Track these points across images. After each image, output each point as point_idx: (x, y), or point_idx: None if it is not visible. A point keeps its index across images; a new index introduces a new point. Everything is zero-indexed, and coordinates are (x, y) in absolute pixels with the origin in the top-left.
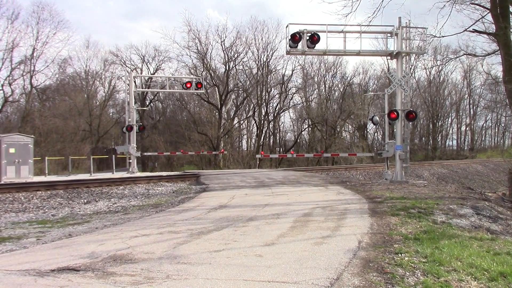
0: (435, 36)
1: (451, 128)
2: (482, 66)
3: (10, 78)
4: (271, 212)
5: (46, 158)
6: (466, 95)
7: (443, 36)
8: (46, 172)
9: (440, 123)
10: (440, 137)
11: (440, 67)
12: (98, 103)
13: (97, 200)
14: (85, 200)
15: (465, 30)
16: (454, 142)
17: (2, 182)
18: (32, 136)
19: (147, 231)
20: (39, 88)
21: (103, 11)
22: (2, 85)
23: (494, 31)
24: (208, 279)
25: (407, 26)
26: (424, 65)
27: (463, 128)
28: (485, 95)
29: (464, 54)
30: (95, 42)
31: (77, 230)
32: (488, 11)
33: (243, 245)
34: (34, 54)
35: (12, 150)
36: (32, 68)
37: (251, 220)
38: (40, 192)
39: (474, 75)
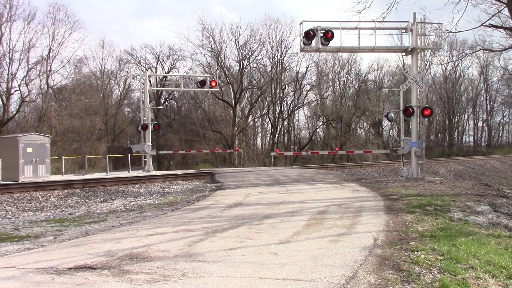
0: (450, 32)
1: (467, 124)
2: (499, 61)
3: (27, 78)
4: (286, 210)
5: (63, 157)
6: (483, 91)
7: (458, 32)
8: (63, 171)
9: (456, 119)
10: (456, 133)
11: (456, 63)
12: (113, 102)
13: (113, 198)
14: (102, 199)
15: (481, 25)
16: (471, 138)
17: (20, 182)
18: (49, 135)
19: (162, 230)
20: (56, 88)
21: (113, 10)
22: (19, 85)
23: (511, 25)
24: (223, 277)
25: (422, 21)
26: (439, 60)
27: (480, 124)
28: (502, 90)
29: (481, 49)
30: (110, 41)
31: (93, 228)
32: (504, 5)
33: (258, 243)
34: (50, 55)
35: (29, 150)
36: (49, 68)
37: (266, 218)
38: (57, 191)
39: (490, 70)
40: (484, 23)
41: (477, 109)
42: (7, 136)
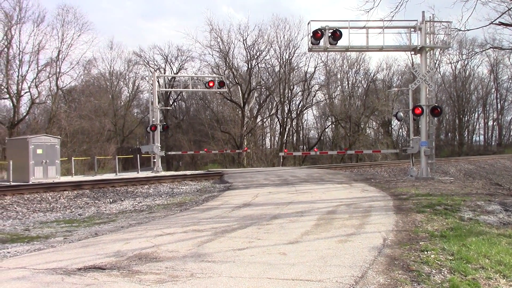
0: (459, 30)
1: (477, 123)
2: (509, 59)
3: (37, 80)
4: (294, 210)
5: (73, 158)
6: (493, 89)
7: (468, 30)
8: (73, 172)
9: (466, 118)
10: (466, 133)
11: (466, 61)
12: (122, 103)
13: (122, 199)
14: (111, 200)
15: (491, 23)
16: (481, 137)
17: (30, 183)
18: (58, 137)
19: (171, 230)
20: (65, 89)
21: (121, 11)
22: (29, 87)
23: None
24: (232, 277)
25: (431, 20)
26: (449, 59)
27: (490, 123)
28: None
29: (491, 47)
30: (119, 43)
31: (103, 229)
32: None
33: (266, 243)
34: (60, 56)
35: (39, 151)
36: (58, 70)
37: (275, 218)
38: (67, 192)
39: (501, 69)
40: (494, 21)
41: (487, 108)
42: (18, 137)
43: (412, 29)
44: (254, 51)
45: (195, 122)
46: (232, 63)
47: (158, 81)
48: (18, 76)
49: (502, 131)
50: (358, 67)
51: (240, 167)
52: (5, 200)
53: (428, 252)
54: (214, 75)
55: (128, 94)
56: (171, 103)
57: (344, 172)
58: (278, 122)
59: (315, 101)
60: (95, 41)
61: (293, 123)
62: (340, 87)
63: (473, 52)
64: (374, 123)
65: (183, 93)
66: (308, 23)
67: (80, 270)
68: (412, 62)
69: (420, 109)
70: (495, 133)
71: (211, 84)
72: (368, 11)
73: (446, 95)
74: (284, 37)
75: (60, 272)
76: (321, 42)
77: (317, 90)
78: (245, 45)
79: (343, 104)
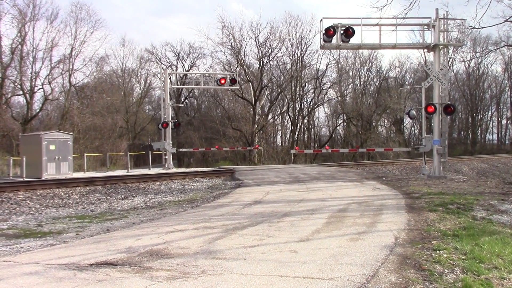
0: (473, 28)
1: (491, 122)
2: None
3: (50, 76)
4: (306, 208)
5: (85, 154)
6: (507, 88)
7: (482, 28)
8: (85, 168)
9: (479, 117)
10: (479, 131)
11: (480, 59)
12: (134, 100)
13: (134, 195)
14: (123, 196)
15: (506, 20)
16: (495, 136)
17: (43, 179)
18: (71, 133)
19: (182, 227)
20: (78, 86)
21: (133, 8)
22: (43, 84)
23: None
24: (243, 275)
25: (445, 17)
26: (462, 57)
27: (504, 121)
28: None
29: (505, 45)
30: (131, 40)
31: (114, 225)
32: None
33: (277, 240)
34: (73, 53)
35: (52, 147)
36: (71, 67)
37: (286, 215)
38: (79, 188)
39: None
40: (508, 18)
41: (501, 107)
42: (31, 133)
43: (426, 27)
44: (266, 49)
45: (207, 119)
46: (243, 60)
47: (170, 78)
48: (31, 73)
49: None
50: (370, 64)
51: (251, 165)
52: (19, 196)
53: (441, 251)
54: (226, 72)
55: (140, 91)
56: (182, 100)
57: (356, 170)
58: (289, 119)
59: (326, 99)
60: (107, 38)
61: (305, 121)
62: (352, 84)
63: (487, 50)
64: (386, 121)
65: (195, 90)
66: (321, 21)
67: (92, 265)
68: (425, 60)
69: (433, 107)
70: (508, 132)
71: (222, 81)
72: (381, 9)
73: (459, 93)
74: (296, 34)
75: (72, 267)
76: (334, 40)
77: (328, 88)
78: (257, 42)
79: (355, 102)
